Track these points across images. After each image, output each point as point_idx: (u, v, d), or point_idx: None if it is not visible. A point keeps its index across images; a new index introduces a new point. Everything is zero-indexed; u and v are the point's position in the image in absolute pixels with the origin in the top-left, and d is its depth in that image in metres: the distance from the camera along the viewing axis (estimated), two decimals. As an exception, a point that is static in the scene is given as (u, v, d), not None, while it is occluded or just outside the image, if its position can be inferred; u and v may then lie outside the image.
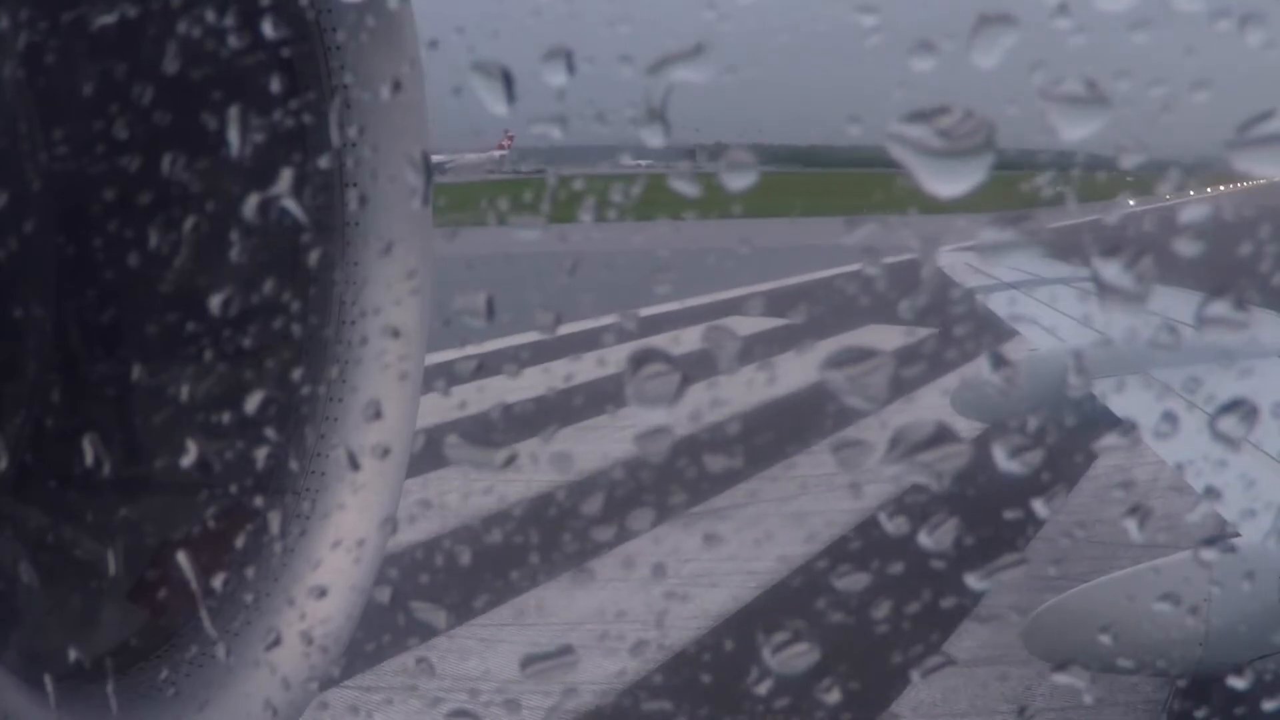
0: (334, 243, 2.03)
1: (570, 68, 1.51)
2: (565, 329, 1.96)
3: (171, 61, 1.85)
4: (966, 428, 8.62)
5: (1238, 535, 5.45)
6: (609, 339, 2.51)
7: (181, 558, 1.96)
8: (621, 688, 8.40)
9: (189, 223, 1.97)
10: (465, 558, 9.51)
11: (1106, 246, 1.34)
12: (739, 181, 1.47)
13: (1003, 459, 1.56)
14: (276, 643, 1.98)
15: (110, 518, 2.03)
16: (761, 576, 10.75)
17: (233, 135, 1.81)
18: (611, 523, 10.24)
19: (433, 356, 2.12)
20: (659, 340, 1.76)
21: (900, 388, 1.50)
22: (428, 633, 8.70)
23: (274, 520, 2.01)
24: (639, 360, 1.52)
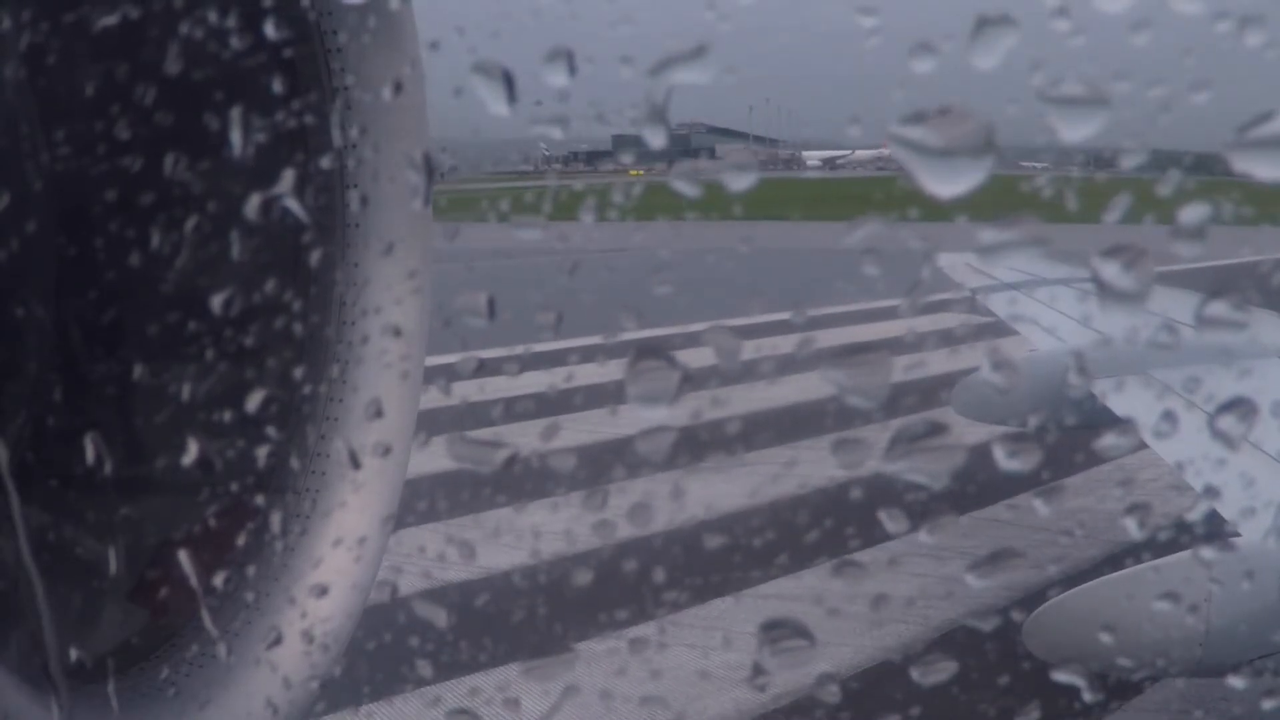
0: (335, 243, 2.04)
1: (571, 68, 1.51)
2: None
3: (173, 62, 1.86)
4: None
5: (1237, 534, 5.45)
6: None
7: (182, 556, 1.96)
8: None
9: (190, 223, 1.97)
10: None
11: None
12: (740, 182, 1.48)
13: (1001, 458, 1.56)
14: (278, 641, 1.98)
15: (111, 517, 2.03)
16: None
17: (234, 136, 1.81)
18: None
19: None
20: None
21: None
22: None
23: (275, 519, 2.01)
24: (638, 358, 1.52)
